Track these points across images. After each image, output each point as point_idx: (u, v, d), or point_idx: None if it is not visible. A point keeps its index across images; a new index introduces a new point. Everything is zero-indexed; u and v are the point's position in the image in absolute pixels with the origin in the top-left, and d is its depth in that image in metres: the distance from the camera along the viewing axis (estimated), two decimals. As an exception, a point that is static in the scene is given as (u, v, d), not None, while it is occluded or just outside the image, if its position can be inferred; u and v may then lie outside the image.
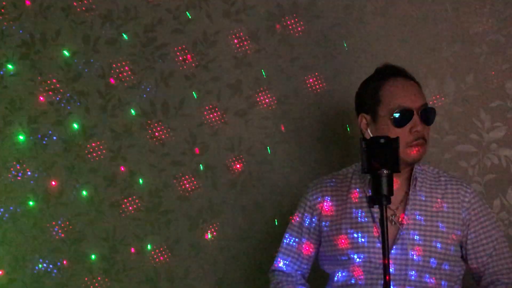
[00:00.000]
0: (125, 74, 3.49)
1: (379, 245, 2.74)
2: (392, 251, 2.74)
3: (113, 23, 3.49)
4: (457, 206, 2.81)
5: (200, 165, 3.48)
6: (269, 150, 3.46)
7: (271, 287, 2.94)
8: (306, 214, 2.91)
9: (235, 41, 3.47)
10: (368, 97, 2.81)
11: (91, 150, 3.49)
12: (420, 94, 2.81)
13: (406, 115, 2.74)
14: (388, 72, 2.83)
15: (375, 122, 2.79)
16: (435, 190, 2.82)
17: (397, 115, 2.74)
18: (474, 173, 3.38)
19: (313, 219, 2.89)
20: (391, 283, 2.67)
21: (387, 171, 2.33)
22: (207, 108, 3.48)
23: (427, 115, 2.78)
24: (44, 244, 3.49)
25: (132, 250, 3.47)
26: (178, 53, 3.48)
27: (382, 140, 2.36)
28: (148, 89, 3.49)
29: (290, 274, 2.93)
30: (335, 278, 2.84)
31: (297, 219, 2.93)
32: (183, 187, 3.47)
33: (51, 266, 3.48)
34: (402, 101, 2.75)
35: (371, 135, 2.77)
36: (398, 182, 2.79)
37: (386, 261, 2.29)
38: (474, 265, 2.83)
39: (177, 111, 3.48)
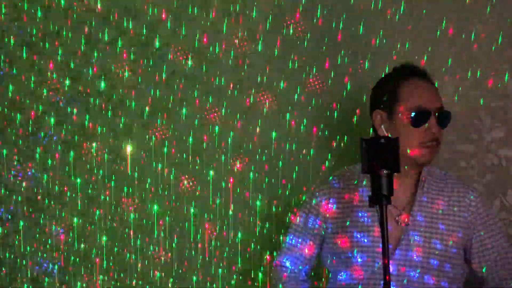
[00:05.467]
0: (125, 74, 3.49)
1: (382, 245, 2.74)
2: (396, 251, 2.74)
3: (113, 23, 3.49)
4: (462, 210, 2.80)
5: (201, 164, 3.47)
6: (268, 150, 3.47)
7: (273, 282, 2.94)
8: (310, 215, 2.91)
9: (235, 41, 3.47)
10: (386, 94, 2.81)
11: (91, 150, 3.49)
12: (438, 97, 2.82)
13: (424, 116, 2.75)
14: (410, 71, 2.84)
15: (390, 120, 2.79)
16: (441, 192, 2.82)
17: (415, 114, 2.75)
18: (474, 173, 3.38)
19: (317, 220, 2.89)
20: (392, 283, 2.67)
21: (387, 171, 2.33)
22: (207, 108, 3.48)
23: (443, 118, 2.79)
24: (44, 244, 3.49)
25: (133, 250, 3.47)
26: (178, 53, 3.48)
27: (382, 140, 2.36)
28: (148, 89, 3.49)
29: (293, 270, 2.93)
30: (338, 277, 2.84)
31: (301, 219, 2.93)
32: (183, 187, 3.47)
33: (51, 266, 3.48)
34: (422, 101, 2.76)
35: (385, 132, 2.77)
36: (405, 183, 2.80)
37: (386, 261, 2.29)
38: (478, 270, 2.83)
39: (177, 111, 3.48)
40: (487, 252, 2.81)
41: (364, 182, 2.84)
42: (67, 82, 3.50)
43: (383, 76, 2.92)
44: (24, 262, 3.48)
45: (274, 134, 3.47)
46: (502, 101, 3.38)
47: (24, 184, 3.50)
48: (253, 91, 3.46)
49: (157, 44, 3.48)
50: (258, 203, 3.47)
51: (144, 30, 3.48)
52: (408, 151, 2.73)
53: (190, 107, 3.48)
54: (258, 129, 3.47)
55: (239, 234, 3.48)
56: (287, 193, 3.45)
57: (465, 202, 2.82)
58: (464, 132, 3.39)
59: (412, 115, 2.75)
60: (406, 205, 2.80)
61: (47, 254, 3.48)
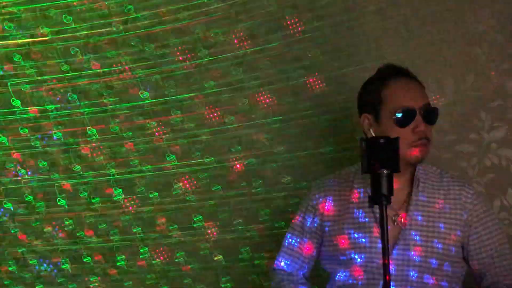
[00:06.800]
0: (125, 74, 3.49)
1: (380, 245, 2.74)
2: (394, 251, 2.74)
3: (113, 23, 3.49)
4: (459, 207, 2.80)
5: (200, 165, 3.47)
6: (268, 150, 3.47)
7: (272, 286, 2.94)
8: (308, 214, 2.91)
9: (235, 41, 3.47)
10: (370, 97, 2.81)
11: (91, 150, 3.49)
12: (423, 94, 2.81)
13: (409, 115, 2.74)
14: (390, 72, 2.83)
15: (377, 122, 2.79)
16: (438, 191, 2.82)
17: (399, 115, 2.74)
18: (474, 173, 3.38)
19: (315, 219, 2.89)
20: (392, 283, 2.67)
21: (387, 171, 2.33)
22: (207, 108, 3.48)
23: (430, 114, 2.78)
24: (44, 244, 3.49)
25: (132, 250, 3.47)
26: (178, 53, 3.48)
27: (382, 140, 2.36)
28: (148, 89, 3.49)
29: (292, 273, 2.93)
30: (336, 278, 2.84)
31: (299, 219, 2.93)
32: (183, 187, 3.47)
33: (51, 266, 3.48)
34: (405, 101, 2.75)
35: (374, 135, 2.77)
36: (400, 183, 2.79)
37: (386, 261, 2.29)
38: (475, 266, 2.83)
39: (177, 111, 3.48)
40: (484, 249, 2.81)
41: (362, 182, 2.84)
42: (66, 82, 3.50)
43: (367, 80, 2.92)
44: (22, 263, 3.48)
45: (273, 135, 3.47)
46: (502, 101, 3.38)
47: (23, 183, 3.50)
48: (252, 91, 3.46)
49: (156, 44, 3.48)
50: (254, 205, 3.47)
51: (143, 31, 3.48)
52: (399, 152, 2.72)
53: (189, 108, 3.48)
54: (256, 130, 3.47)
55: (235, 237, 3.48)
56: (284, 195, 3.45)
57: (461, 200, 2.82)
58: (464, 132, 3.39)
59: (397, 116, 2.74)
60: (402, 204, 2.80)
61: (45, 255, 3.48)
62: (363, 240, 2.77)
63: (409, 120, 2.75)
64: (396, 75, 2.82)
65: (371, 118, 2.81)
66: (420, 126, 2.75)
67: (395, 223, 2.77)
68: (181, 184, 3.48)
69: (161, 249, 3.47)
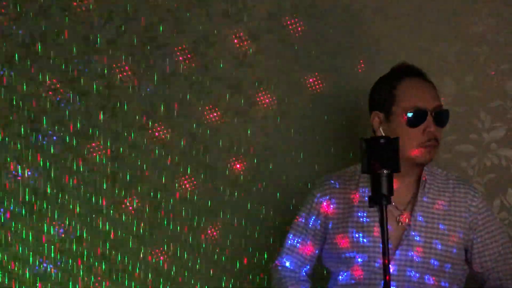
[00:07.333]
0: (125, 74, 3.49)
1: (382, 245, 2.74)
2: (397, 251, 2.74)
3: (113, 23, 3.49)
4: (463, 210, 2.80)
5: (200, 165, 3.47)
6: (268, 150, 3.47)
7: (273, 283, 2.94)
8: (310, 214, 2.91)
9: (235, 41, 3.47)
10: (382, 95, 2.81)
11: (91, 150, 3.49)
12: (435, 96, 2.81)
13: (420, 116, 2.74)
14: (405, 72, 2.83)
15: (388, 121, 2.79)
16: (443, 193, 2.82)
17: (411, 115, 2.74)
18: (474, 173, 3.38)
19: (318, 220, 2.89)
20: (393, 284, 2.67)
21: (387, 171, 2.33)
22: (207, 108, 3.48)
23: (441, 116, 2.78)
24: (44, 244, 3.48)
25: (132, 250, 3.47)
26: (178, 53, 3.48)
27: (382, 140, 2.36)
28: (148, 89, 3.49)
29: (294, 270, 2.93)
30: (338, 277, 2.84)
31: (302, 219, 2.93)
32: (183, 187, 3.47)
33: (51, 266, 3.48)
34: (417, 101, 2.75)
35: (383, 133, 2.77)
36: (406, 183, 2.79)
37: (386, 261, 2.29)
38: (478, 269, 2.83)
39: (177, 111, 3.48)
40: (487, 252, 2.81)
41: (364, 182, 2.83)
42: (66, 83, 3.49)
43: (380, 77, 2.92)
44: (22, 263, 3.48)
45: (273, 135, 3.46)
46: (502, 101, 3.38)
47: (22, 185, 3.50)
48: (252, 91, 3.46)
49: (156, 44, 3.48)
50: (255, 205, 3.47)
51: (143, 31, 3.48)
52: (407, 151, 2.73)
53: (189, 108, 3.48)
54: (256, 130, 3.46)
55: (235, 237, 3.48)
56: (284, 195, 3.45)
57: (466, 202, 2.82)
58: (464, 132, 3.38)
59: (408, 116, 2.75)
60: (407, 205, 2.80)
61: (45, 256, 3.48)
62: (365, 240, 2.77)
63: (420, 120, 2.74)
64: (409, 74, 2.82)
65: (382, 116, 2.81)
66: (431, 127, 2.75)
67: (399, 224, 2.77)
68: (181, 183, 3.47)
69: (161, 249, 3.47)
